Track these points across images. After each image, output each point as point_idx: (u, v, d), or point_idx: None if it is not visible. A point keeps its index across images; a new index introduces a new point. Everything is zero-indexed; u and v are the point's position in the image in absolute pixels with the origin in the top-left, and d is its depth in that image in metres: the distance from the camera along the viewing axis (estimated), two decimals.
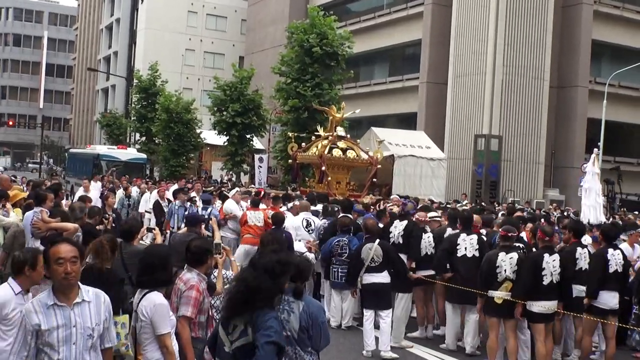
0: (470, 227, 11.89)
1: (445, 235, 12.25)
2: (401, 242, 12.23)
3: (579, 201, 36.08)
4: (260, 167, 37.86)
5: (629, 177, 39.95)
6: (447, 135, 42.53)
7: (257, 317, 5.00)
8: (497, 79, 40.17)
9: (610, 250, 10.60)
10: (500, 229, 10.91)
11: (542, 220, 15.84)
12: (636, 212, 31.22)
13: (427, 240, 12.30)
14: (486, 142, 38.36)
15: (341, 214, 14.07)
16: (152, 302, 6.00)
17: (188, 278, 6.67)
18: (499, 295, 10.12)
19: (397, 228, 12.41)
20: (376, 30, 51.41)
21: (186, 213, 16.99)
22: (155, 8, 71.38)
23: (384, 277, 11.20)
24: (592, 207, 16.39)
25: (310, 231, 14.49)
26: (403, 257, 11.95)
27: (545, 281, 9.96)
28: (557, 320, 10.77)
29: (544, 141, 41.83)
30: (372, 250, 11.15)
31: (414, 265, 12.06)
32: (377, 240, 11.31)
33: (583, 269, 10.91)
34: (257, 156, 38.83)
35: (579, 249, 11.09)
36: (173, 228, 16.50)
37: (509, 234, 10.41)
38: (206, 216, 15.97)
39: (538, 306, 9.97)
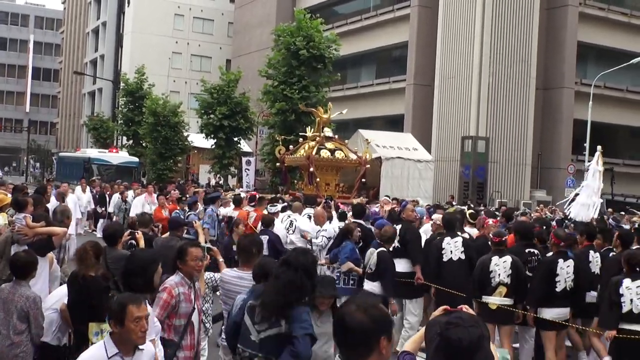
0: (454, 229, 11.63)
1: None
2: (399, 246, 11.74)
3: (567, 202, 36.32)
4: (248, 169, 37.82)
5: (615, 178, 40.10)
6: (434, 137, 42.60)
7: (292, 310, 5.29)
8: (484, 81, 40.27)
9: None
10: (491, 235, 10.50)
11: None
12: (622, 213, 31.34)
13: None
14: (473, 144, 38.41)
15: (352, 220, 13.71)
16: None
17: (165, 280, 6.63)
18: (493, 300, 9.83)
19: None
20: (363, 33, 51.47)
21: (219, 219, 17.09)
22: (141, 11, 71.23)
23: (376, 287, 10.79)
24: (584, 205, 15.84)
25: (292, 232, 14.48)
26: (404, 262, 11.68)
27: (559, 287, 9.68)
28: (572, 329, 10.40)
29: (531, 142, 41.96)
30: (372, 256, 10.87)
31: (418, 271, 11.58)
32: (380, 249, 10.95)
33: (596, 273, 10.59)
34: (244, 159, 38.80)
35: (591, 252, 10.77)
36: (213, 236, 16.26)
37: (502, 239, 10.13)
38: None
39: (550, 314, 9.69)
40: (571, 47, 43.70)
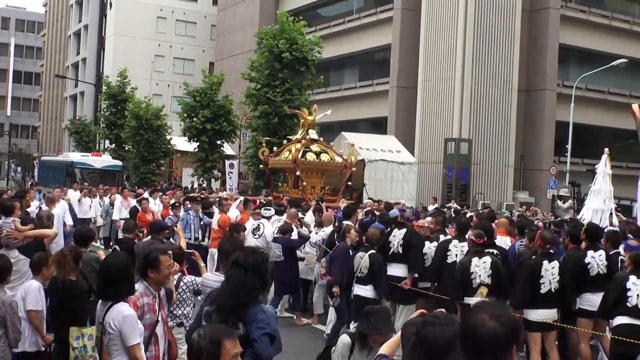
0: (466, 234, 11.53)
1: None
2: (400, 252, 11.73)
3: (548, 203, 36.46)
4: (231, 173, 37.74)
5: None
6: (418, 139, 42.66)
7: (247, 312, 5.30)
8: (466, 83, 40.38)
9: (590, 253, 10.31)
10: (472, 237, 10.46)
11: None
12: None
13: (434, 250, 11.81)
14: (456, 146, 38.51)
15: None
16: (121, 313, 5.91)
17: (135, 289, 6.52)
18: (474, 302, 9.46)
19: (396, 237, 11.86)
20: (346, 35, 51.49)
21: (201, 223, 17.10)
22: (123, 14, 70.93)
23: (367, 291, 10.72)
24: (597, 210, 15.32)
25: (258, 236, 14.47)
26: (403, 267, 11.64)
27: (543, 289, 9.69)
28: (574, 331, 10.35)
29: (513, 144, 42.11)
30: (362, 260, 10.77)
31: (415, 276, 11.62)
32: (370, 251, 10.86)
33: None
34: (227, 162, 38.72)
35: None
36: (190, 239, 16.24)
37: (479, 240, 10.15)
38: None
39: (535, 315, 9.70)
40: (553, 50, 43.92)
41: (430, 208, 26.64)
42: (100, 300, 6.17)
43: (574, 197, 28.28)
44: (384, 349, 4.20)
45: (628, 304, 8.77)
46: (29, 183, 46.76)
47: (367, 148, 32.08)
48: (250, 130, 37.20)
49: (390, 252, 11.74)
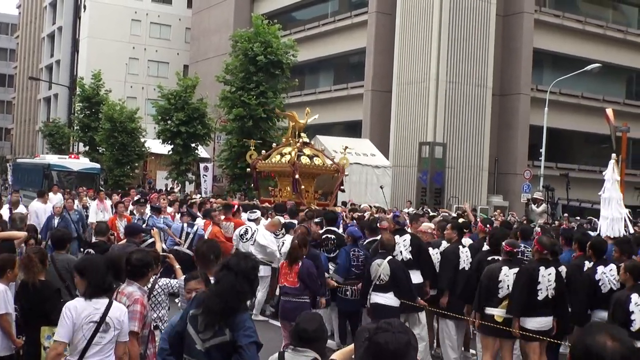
0: (462, 238, 11.51)
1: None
2: (411, 258, 11.36)
3: (522, 207, 36.67)
4: (206, 176, 37.61)
5: (571, 183, 40.58)
6: (392, 143, 42.74)
7: (234, 318, 5.22)
8: (441, 87, 40.54)
9: (600, 268, 9.96)
10: (504, 243, 10.10)
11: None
12: (578, 218, 31.77)
13: (438, 257, 11.59)
14: (430, 150, 38.62)
15: (325, 228, 13.50)
16: (122, 308, 5.99)
17: (131, 291, 6.51)
18: (500, 313, 9.51)
19: (400, 244, 11.40)
20: (321, 39, 51.53)
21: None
22: (98, 16, 70.49)
23: (388, 299, 10.41)
24: (613, 220, 14.90)
25: (245, 240, 14.40)
26: (415, 274, 11.23)
27: (540, 296, 9.38)
28: None
29: (488, 148, 42.31)
30: (381, 267, 10.42)
31: (428, 285, 11.40)
32: (388, 258, 10.54)
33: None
34: (202, 165, 38.59)
35: (586, 263, 10.44)
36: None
37: (514, 250, 9.83)
38: (191, 235, 15.81)
39: (533, 323, 9.37)
40: (527, 54, 44.23)
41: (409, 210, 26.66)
42: (84, 300, 6.01)
43: (548, 201, 28.44)
44: (336, 355, 4.18)
45: (632, 328, 8.16)
46: (4, 186, 46.26)
47: (342, 151, 32.05)
48: (225, 133, 37.12)
49: (400, 260, 11.23)
